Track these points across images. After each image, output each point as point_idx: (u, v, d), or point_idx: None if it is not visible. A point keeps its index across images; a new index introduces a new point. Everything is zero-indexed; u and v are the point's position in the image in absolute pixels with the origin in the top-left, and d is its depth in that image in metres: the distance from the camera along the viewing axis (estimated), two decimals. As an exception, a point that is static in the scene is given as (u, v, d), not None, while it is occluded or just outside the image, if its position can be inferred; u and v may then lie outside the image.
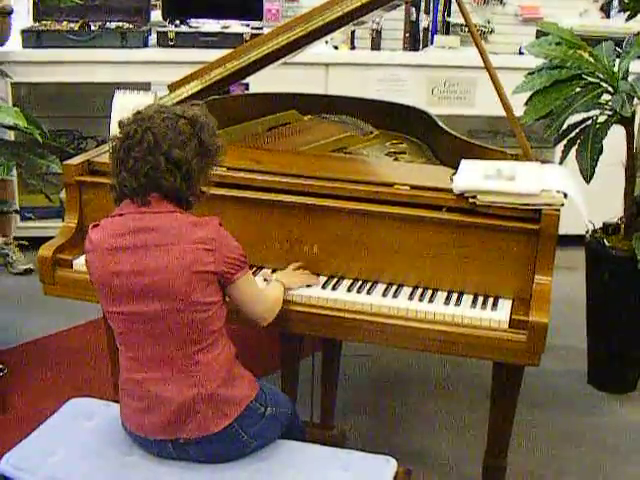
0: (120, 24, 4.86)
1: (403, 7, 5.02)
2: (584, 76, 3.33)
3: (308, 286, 2.54)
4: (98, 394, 2.59)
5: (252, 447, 2.25)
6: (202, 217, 2.18)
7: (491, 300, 2.46)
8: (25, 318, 4.10)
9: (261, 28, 4.88)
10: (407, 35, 5.14)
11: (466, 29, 4.88)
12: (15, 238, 4.67)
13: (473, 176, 2.53)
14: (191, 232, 2.13)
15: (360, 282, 2.56)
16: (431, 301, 2.47)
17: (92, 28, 4.80)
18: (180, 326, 2.13)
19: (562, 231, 2.42)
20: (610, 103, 3.33)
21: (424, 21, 5.18)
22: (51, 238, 2.77)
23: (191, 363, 2.16)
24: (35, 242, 2.84)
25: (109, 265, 2.15)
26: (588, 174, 3.29)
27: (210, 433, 2.18)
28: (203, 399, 2.16)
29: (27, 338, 3.93)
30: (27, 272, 4.66)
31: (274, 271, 2.61)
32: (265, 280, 2.56)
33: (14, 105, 4.25)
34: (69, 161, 2.81)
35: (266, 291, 2.41)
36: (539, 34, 4.35)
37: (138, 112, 2.21)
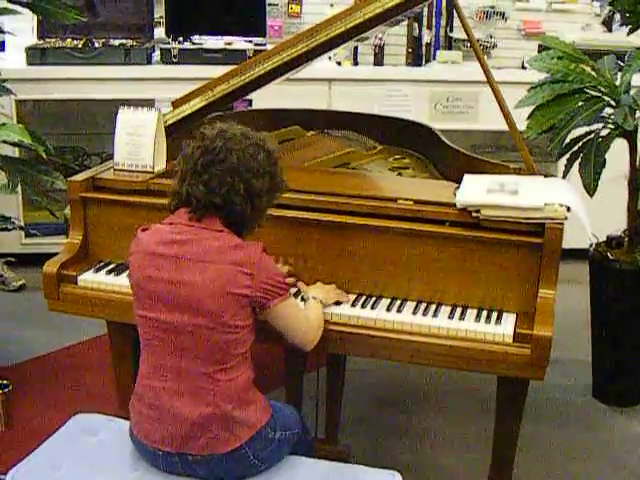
0: (124, 41, 4.88)
1: (406, 23, 5.04)
2: (586, 90, 3.34)
3: (338, 303, 2.53)
4: (102, 410, 2.59)
5: (259, 470, 2.25)
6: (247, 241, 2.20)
7: (495, 314, 2.46)
8: (28, 334, 4.10)
9: (264, 44, 4.89)
10: (410, 50, 5.16)
11: (468, 44, 4.88)
12: (2, 255, 4.67)
13: (476, 190, 2.53)
14: (233, 253, 2.14)
15: (364, 297, 2.56)
16: (435, 315, 2.47)
17: (96, 45, 4.82)
18: (206, 344, 2.13)
19: (566, 245, 2.42)
20: (612, 117, 3.34)
21: (426, 36, 5.20)
22: (56, 254, 2.78)
23: (210, 381, 2.15)
24: (40, 258, 2.84)
25: (148, 269, 2.17)
26: (591, 188, 3.30)
27: (219, 453, 2.17)
28: (217, 418, 2.15)
29: (31, 354, 3.93)
30: (21, 288, 4.67)
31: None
32: (302, 300, 2.52)
33: (19, 122, 4.26)
34: (73, 177, 2.82)
35: (307, 314, 2.38)
36: (541, 48, 4.37)
37: (223, 130, 2.22)
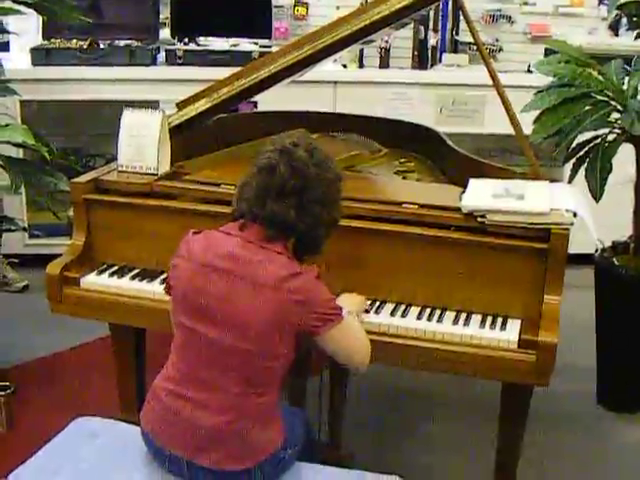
0: (129, 42, 4.88)
1: (411, 25, 5.03)
2: (593, 94, 3.32)
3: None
4: (105, 412, 2.58)
5: None
6: (302, 266, 2.14)
7: (500, 320, 2.45)
8: (30, 336, 4.09)
9: (270, 46, 4.89)
10: (415, 53, 5.15)
11: (475, 47, 4.87)
12: (6, 256, 4.66)
13: (482, 195, 2.52)
14: (289, 281, 2.07)
15: (368, 302, 2.54)
16: (440, 321, 2.45)
17: (101, 46, 4.81)
18: (244, 366, 2.09)
19: (571, 250, 2.41)
20: (619, 121, 3.33)
21: (432, 39, 5.19)
22: (59, 256, 2.77)
23: (240, 400, 2.10)
24: (43, 259, 2.83)
25: (198, 281, 2.11)
26: (597, 193, 3.28)
27: (229, 470, 2.13)
28: (235, 435, 2.11)
29: (33, 356, 3.93)
30: (25, 289, 4.66)
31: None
32: None
33: (23, 123, 4.26)
34: (77, 179, 2.81)
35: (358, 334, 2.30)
36: (548, 52, 4.35)
37: (310, 151, 2.18)
